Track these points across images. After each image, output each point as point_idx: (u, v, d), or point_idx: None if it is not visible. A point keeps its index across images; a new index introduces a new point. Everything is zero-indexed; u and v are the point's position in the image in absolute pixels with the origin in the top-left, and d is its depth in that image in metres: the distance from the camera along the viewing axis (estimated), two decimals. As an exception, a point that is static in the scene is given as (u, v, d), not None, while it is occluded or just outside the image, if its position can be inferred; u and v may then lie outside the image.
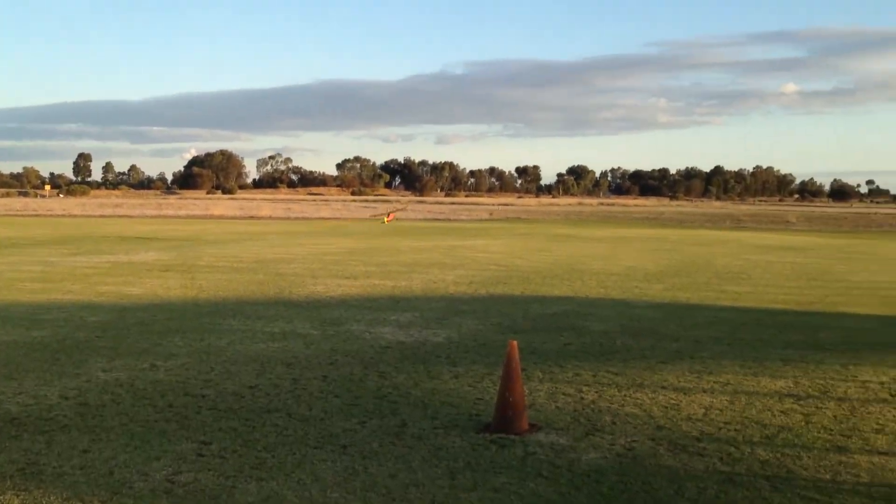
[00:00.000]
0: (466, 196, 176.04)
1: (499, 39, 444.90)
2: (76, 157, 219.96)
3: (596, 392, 7.71)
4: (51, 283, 15.91)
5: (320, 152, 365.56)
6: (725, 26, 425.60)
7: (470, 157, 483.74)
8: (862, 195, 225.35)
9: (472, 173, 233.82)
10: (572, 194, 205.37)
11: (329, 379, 8.10)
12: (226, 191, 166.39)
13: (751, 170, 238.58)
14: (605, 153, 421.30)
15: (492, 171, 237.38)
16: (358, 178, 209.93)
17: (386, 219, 51.55)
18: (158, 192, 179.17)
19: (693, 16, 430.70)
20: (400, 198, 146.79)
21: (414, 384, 7.95)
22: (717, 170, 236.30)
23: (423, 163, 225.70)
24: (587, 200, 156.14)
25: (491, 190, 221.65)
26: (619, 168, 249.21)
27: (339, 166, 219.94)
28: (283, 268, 19.41)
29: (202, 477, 5.28)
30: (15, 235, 33.02)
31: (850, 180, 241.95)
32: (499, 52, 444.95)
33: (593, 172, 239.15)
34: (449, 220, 60.20)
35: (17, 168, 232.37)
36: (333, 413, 6.85)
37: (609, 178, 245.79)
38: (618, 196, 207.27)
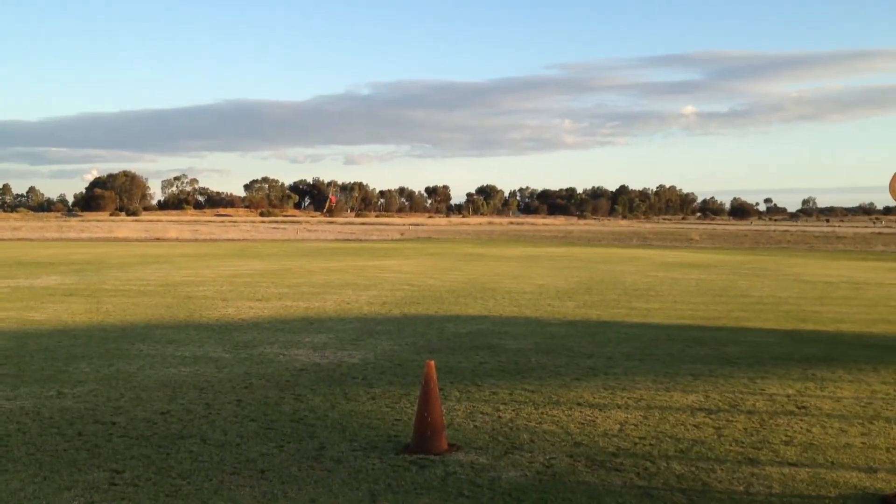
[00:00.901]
0: (377, 216, 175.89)
1: (403, 61, 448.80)
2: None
3: (513, 410, 7.77)
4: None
5: (227, 173, 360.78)
6: (624, 49, 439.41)
7: (379, 177, 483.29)
8: (760, 213, 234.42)
9: (381, 193, 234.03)
10: (482, 214, 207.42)
11: (243, 403, 7.96)
12: (130, 212, 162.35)
13: (654, 189, 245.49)
14: (513, 173, 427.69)
15: (402, 191, 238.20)
16: (266, 198, 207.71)
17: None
18: (59, 214, 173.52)
19: (593, 39, 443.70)
20: (310, 218, 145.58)
21: (331, 406, 7.88)
22: (623, 189, 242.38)
23: (332, 183, 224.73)
24: (497, 220, 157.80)
25: (401, 210, 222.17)
26: (527, 187, 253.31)
27: (246, 187, 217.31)
28: (193, 290, 19.01)
29: (115, 507, 5.12)
30: None
31: (750, 199, 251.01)
32: (404, 73, 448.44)
33: (502, 192, 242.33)
34: (360, 240, 59.96)
35: None
36: (249, 437, 6.73)
37: (518, 198, 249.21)
38: (527, 215, 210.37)
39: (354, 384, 8.91)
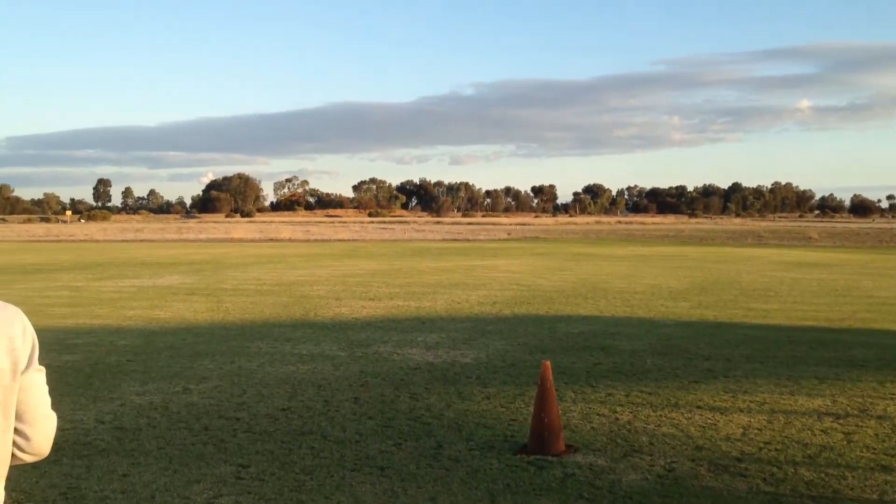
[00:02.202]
0: (483, 216, 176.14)
1: (506, 60, 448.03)
2: (96, 182, 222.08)
3: (630, 412, 7.65)
4: (79, 307, 16.00)
5: (336, 174, 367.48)
6: (734, 43, 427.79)
7: (485, 177, 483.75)
8: (883, 210, 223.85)
9: (488, 193, 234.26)
10: (589, 213, 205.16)
11: (361, 401, 8.09)
12: (244, 214, 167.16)
13: (769, 186, 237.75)
14: (620, 171, 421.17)
15: (507, 190, 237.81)
16: (374, 199, 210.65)
17: None
18: (178, 216, 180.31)
19: (701, 33, 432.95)
20: (417, 218, 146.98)
21: (446, 405, 7.92)
22: (735, 186, 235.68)
23: (438, 183, 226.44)
24: (605, 219, 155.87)
25: (507, 210, 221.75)
26: (635, 186, 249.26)
27: (355, 188, 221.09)
28: (307, 290, 19.44)
29: (243, 500, 5.28)
30: (40, 261, 33.24)
31: (871, 195, 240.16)
32: (507, 72, 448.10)
33: (609, 191, 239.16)
34: (467, 240, 60.20)
35: (37, 194, 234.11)
36: (368, 435, 6.84)
37: (626, 197, 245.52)
38: (635, 214, 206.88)
39: (468, 384, 8.94)
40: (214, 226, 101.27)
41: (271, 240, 59.54)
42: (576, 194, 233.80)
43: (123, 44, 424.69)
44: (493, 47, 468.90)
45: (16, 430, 2.00)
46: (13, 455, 2.02)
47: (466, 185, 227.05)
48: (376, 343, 11.64)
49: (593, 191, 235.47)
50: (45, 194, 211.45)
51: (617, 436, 6.85)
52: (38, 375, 2.05)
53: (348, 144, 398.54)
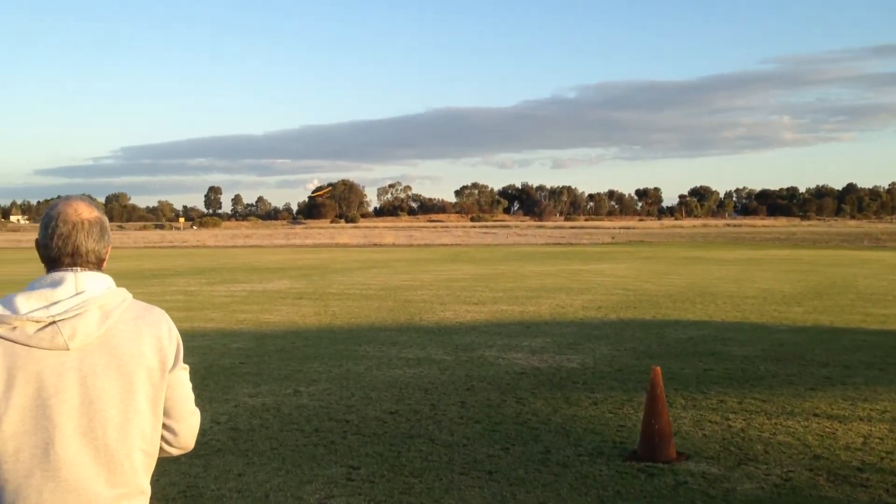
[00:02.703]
0: (586, 220, 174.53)
1: (608, 62, 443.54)
2: (207, 190, 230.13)
3: (744, 420, 7.44)
4: (193, 311, 16.56)
5: (438, 179, 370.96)
6: (847, 39, 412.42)
7: (588, 180, 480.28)
8: None
9: (590, 197, 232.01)
10: (696, 216, 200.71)
11: (467, 405, 8.10)
12: (349, 220, 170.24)
13: (886, 186, 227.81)
14: (727, 173, 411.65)
15: (611, 194, 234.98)
16: (476, 204, 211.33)
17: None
18: (285, 222, 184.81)
19: (812, 29, 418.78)
20: (519, 222, 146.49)
21: (553, 410, 7.86)
22: (850, 187, 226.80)
23: (540, 188, 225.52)
24: (712, 222, 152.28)
25: (611, 213, 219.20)
26: (744, 188, 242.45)
27: (457, 193, 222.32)
28: (411, 294, 19.63)
29: (353, 501, 5.36)
30: (156, 267, 34.57)
31: None
32: (609, 74, 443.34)
33: (717, 193, 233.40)
34: (570, 244, 59.76)
35: (152, 202, 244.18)
36: (475, 439, 6.84)
37: (734, 199, 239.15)
38: (744, 217, 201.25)
39: (575, 389, 8.85)
40: (320, 231, 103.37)
41: (375, 245, 60.39)
42: (681, 197, 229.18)
43: (233, 55, 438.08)
44: (595, 49, 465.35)
45: (164, 426, 2.15)
46: (161, 449, 2.18)
47: (569, 188, 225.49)
48: (481, 347, 11.65)
49: (700, 193, 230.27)
50: (159, 202, 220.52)
51: (730, 444, 6.67)
52: (184, 373, 2.22)
53: (450, 150, 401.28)
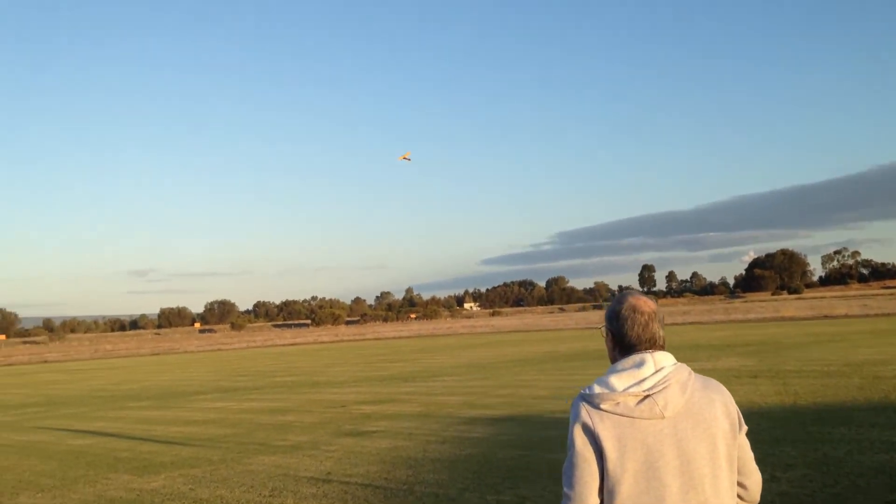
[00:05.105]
0: None
1: None
2: (640, 268, 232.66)
3: None
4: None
5: (890, 242, 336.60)
6: None
7: None
8: None
9: None
10: None
11: (980, 498, 7.08)
12: (791, 290, 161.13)
13: None
14: None
15: None
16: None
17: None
18: (721, 296, 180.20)
19: None
20: None
21: None
22: None
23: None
24: None
25: None
26: None
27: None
28: (880, 370, 17.84)
29: None
30: (605, 347, 35.44)
31: None
32: None
33: None
34: None
35: (588, 283, 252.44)
36: None
37: None
38: None
39: None
40: (761, 305, 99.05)
41: (825, 317, 56.20)
42: None
43: (629, 137, 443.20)
44: None
45: (738, 482, 2.50)
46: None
47: None
48: (982, 430, 10.16)
49: None
50: (595, 283, 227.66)
51: None
52: (745, 436, 2.55)
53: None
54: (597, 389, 2.46)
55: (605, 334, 2.68)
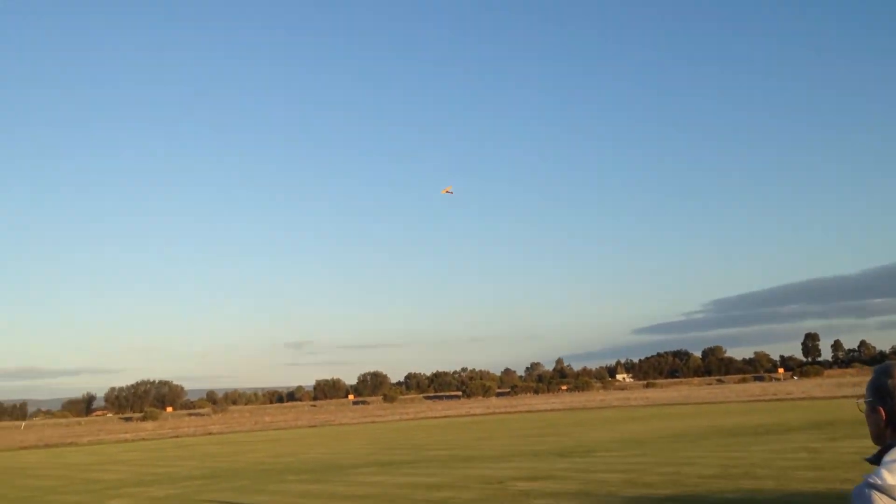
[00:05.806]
0: None
1: None
2: (803, 337, 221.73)
3: None
4: (824, 471, 15.59)
5: None
6: None
7: None
8: None
9: None
10: None
11: None
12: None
13: None
14: None
15: None
16: None
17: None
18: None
19: None
20: None
21: None
22: None
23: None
24: None
25: None
26: None
27: None
28: None
29: None
30: (767, 421, 33.74)
31: None
32: None
33: None
34: None
35: (747, 353, 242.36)
36: None
37: None
38: None
39: None
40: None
41: None
42: None
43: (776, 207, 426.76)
44: None
45: None
46: None
47: None
48: None
49: None
50: (755, 353, 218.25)
51: None
52: None
53: None
54: (890, 480, 2.14)
55: (867, 409, 2.34)
